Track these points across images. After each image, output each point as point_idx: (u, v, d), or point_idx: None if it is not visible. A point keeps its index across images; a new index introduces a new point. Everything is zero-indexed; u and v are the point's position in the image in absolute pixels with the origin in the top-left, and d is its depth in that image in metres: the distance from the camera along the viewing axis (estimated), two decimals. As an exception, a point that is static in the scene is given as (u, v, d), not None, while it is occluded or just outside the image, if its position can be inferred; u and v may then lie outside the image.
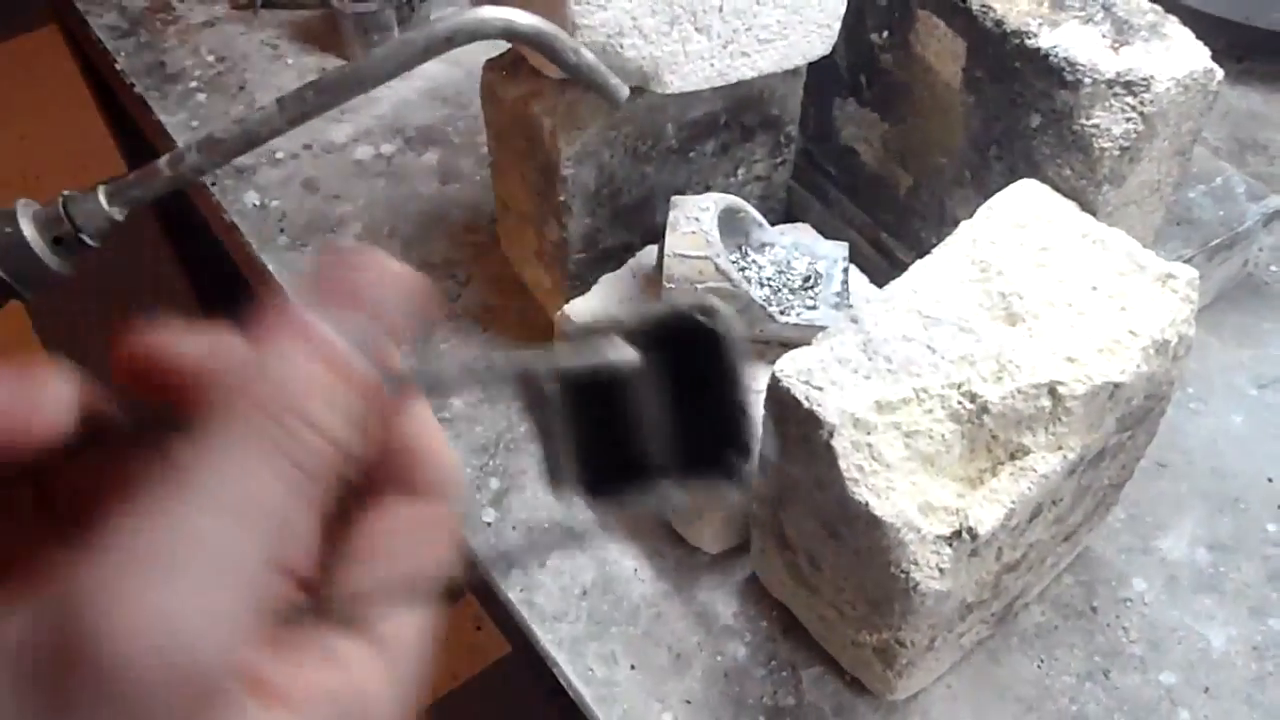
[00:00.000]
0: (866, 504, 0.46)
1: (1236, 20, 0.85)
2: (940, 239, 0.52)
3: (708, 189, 0.67)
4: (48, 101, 2.28)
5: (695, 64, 0.56)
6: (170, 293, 1.38)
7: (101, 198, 0.34)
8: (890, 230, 0.66)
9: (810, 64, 0.62)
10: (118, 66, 0.90)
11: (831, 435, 0.46)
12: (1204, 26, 0.85)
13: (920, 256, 0.52)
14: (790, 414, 0.48)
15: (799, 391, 0.47)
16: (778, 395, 0.48)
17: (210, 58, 0.91)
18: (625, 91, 0.46)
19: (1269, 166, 0.81)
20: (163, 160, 0.36)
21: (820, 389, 0.47)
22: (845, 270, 0.61)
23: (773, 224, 0.67)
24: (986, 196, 0.54)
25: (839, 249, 0.62)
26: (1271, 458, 0.65)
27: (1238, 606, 0.59)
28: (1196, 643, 0.57)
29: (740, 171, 0.67)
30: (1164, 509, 0.63)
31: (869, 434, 0.46)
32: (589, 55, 0.44)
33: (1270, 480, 0.64)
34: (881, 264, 0.66)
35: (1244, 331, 0.71)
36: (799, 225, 0.67)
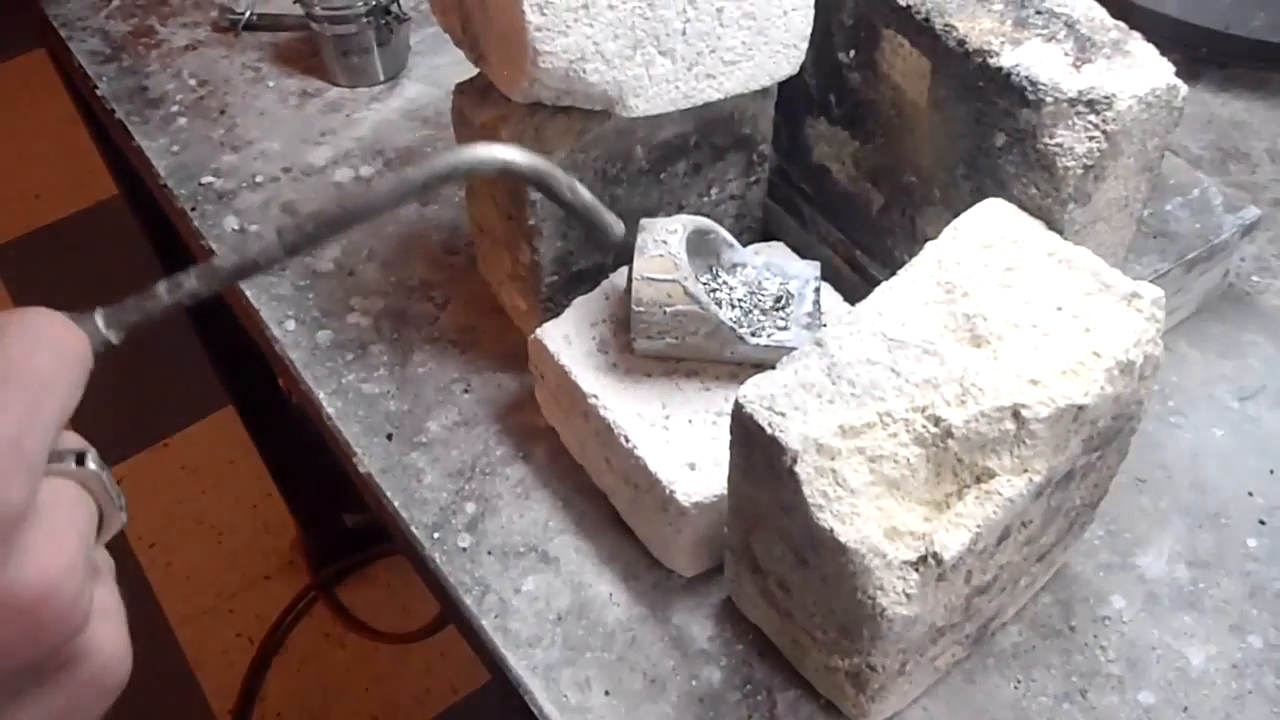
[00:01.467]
0: (831, 530, 0.45)
1: (1218, 28, 0.85)
2: (913, 257, 0.52)
3: (681, 209, 0.67)
4: (47, 122, 2.29)
5: (660, 87, 0.56)
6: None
7: (99, 321, 0.36)
8: (864, 248, 0.66)
9: (781, 83, 0.61)
10: (99, 92, 0.90)
11: (795, 461, 0.46)
12: (1186, 35, 0.85)
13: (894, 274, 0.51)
14: (754, 439, 0.48)
15: (762, 418, 0.47)
16: (741, 420, 0.48)
17: (192, 81, 0.91)
18: (621, 228, 0.48)
19: (1251, 175, 0.80)
20: (161, 285, 0.39)
21: (783, 414, 0.47)
22: (817, 290, 0.61)
23: (749, 243, 0.66)
24: (956, 215, 0.53)
25: (811, 268, 0.62)
26: (1253, 471, 0.64)
27: (1218, 624, 0.58)
28: (1175, 661, 0.57)
29: (714, 191, 0.67)
30: (1143, 525, 0.62)
31: (833, 459, 0.46)
32: (585, 193, 0.45)
33: (1251, 494, 0.63)
34: (856, 282, 0.65)
35: (1225, 343, 0.71)
36: (773, 244, 0.67)
